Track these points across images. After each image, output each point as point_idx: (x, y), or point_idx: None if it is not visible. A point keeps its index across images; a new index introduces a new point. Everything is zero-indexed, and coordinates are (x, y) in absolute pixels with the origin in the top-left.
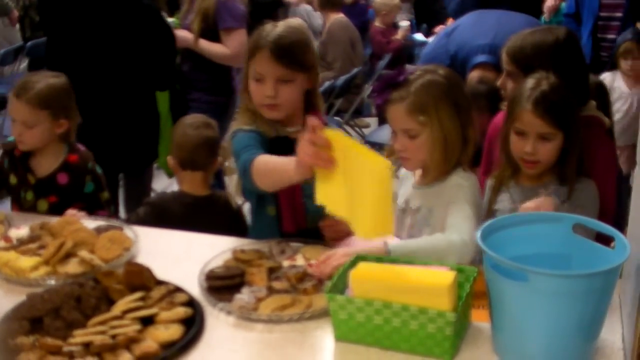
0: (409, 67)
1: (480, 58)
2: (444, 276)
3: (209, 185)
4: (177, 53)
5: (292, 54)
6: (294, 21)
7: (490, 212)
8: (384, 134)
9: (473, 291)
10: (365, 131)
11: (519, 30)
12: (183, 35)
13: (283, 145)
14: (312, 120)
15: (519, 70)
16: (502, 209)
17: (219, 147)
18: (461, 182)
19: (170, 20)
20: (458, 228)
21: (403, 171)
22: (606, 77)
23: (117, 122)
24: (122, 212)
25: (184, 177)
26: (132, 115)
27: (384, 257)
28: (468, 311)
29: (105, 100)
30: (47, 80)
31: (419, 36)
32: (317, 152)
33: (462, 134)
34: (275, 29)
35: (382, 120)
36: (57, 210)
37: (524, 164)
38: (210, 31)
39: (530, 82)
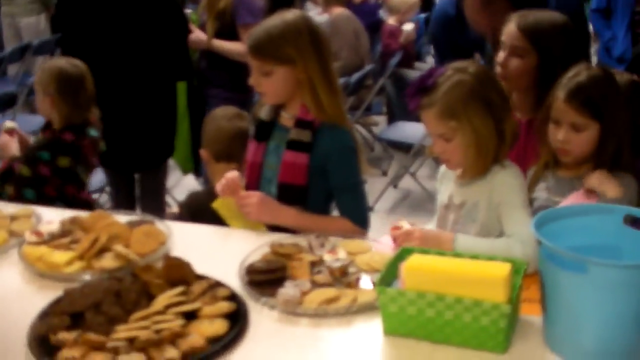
0: (440, 67)
1: None
2: (499, 268)
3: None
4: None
5: (263, 49)
6: (284, 14)
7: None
8: (395, 132)
9: (524, 285)
10: (375, 129)
11: None
12: (197, 36)
13: (258, 129)
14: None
15: (532, 46)
16: (539, 198)
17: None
18: (511, 180)
19: (187, 12)
20: (521, 238)
21: (443, 168)
22: None
23: (136, 116)
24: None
25: (218, 170)
26: (152, 109)
27: (430, 250)
28: (519, 304)
29: (125, 93)
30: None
31: None
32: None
33: (497, 129)
34: (260, 25)
35: (392, 118)
36: None
37: (557, 151)
38: (228, 27)
39: (571, 71)
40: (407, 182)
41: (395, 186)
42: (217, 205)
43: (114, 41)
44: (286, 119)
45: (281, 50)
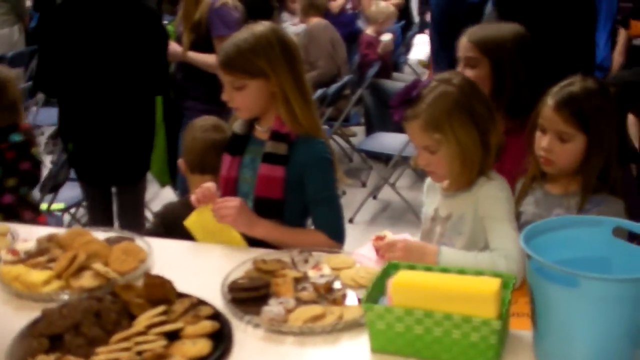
0: (425, 78)
1: None
2: (488, 283)
3: None
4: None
5: (234, 64)
6: (254, 27)
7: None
8: (373, 143)
9: (512, 299)
10: (353, 140)
11: None
12: (173, 48)
13: (232, 143)
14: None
15: (482, 55)
16: (526, 212)
17: None
18: (496, 193)
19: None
20: (505, 252)
21: (429, 180)
22: None
23: (115, 129)
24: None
25: (193, 181)
26: (130, 123)
27: (418, 265)
28: (508, 319)
29: (104, 106)
30: None
31: None
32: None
33: (482, 141)
34: (230, 39)
35: (370, 129)
36: None
37: (541, 160)
38: (204, 39)
39: (565, 80)
40: (386, 193)
41: (374, 197)
42: (190, 223)
43: (94, 55)
44: (261, 132)
45: (253, 64)
